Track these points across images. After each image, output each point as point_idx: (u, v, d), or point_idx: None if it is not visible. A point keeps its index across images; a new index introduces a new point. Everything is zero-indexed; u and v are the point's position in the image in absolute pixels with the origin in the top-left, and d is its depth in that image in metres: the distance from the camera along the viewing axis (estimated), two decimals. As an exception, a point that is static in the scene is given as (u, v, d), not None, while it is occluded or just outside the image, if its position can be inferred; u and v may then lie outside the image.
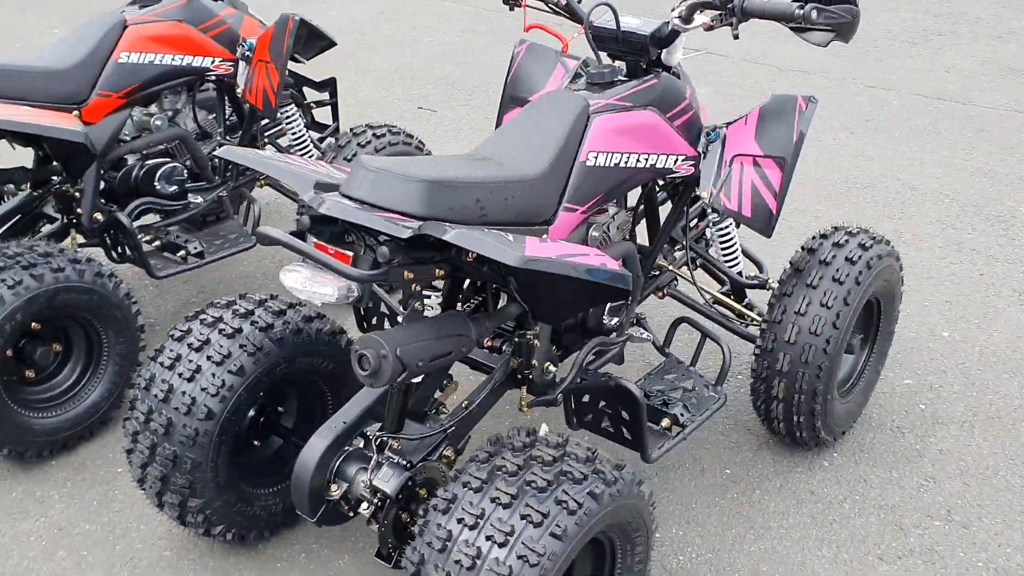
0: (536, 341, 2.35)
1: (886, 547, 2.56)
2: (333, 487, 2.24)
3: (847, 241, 2.70)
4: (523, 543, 1.81)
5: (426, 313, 2.16)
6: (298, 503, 2.26)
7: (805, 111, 2.50)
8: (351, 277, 1.87)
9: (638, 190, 2.69)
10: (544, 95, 2.44)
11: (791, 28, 2.31)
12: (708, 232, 3.04)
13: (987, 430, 2.98)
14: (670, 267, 2.92)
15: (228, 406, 2.29)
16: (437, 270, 2.05)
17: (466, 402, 2.37)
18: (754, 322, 2.90)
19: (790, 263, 2.72)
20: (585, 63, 2.56)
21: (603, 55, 2.58)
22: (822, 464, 2.85)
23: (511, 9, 2.77)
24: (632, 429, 2.36)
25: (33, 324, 2.72)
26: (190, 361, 2.31)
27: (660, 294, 2.96)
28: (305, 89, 3.82)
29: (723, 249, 2.97)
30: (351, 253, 1.94)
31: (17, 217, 3.20)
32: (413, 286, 2.04)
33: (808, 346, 2.60)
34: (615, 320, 2.57)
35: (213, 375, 2.28)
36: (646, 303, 3.23)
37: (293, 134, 3.71)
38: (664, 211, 2.83)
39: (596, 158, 2.34)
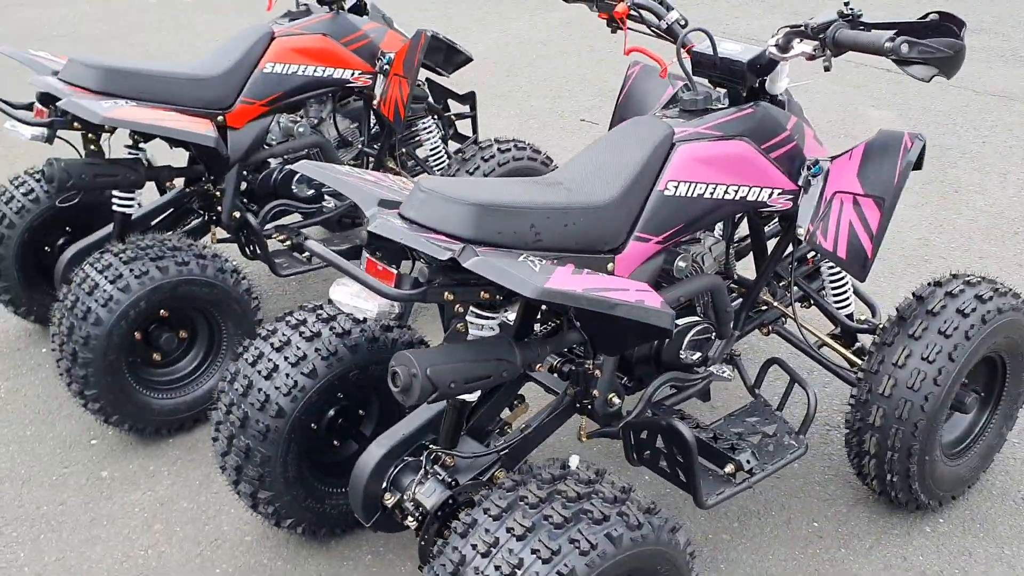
0: (597, 371, 2.32)
1: (977, 630, 2.35)
2: (387, 495, 2.29)
3: (963, 291, 2.48)
4: (529, 576, 1.80)
5: (483, 334, 2.17)
6: (354, 507, 2.34)
7: (911, 150, 2.32)
8: (384, 294, 1.92)
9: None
10: (631, 120, 2.40)
11: (893, 61, 2.16)
12: (822, 269, 2.88)
13: None
14: (776, 304, 2.79)
15: (299, 406, 2.40)
16: (483, 292, 2.05)
17: (524, 425, 2.37)
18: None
19: (896, 310, 2.53)
20: (685, 87, 2.49)
21: (704, 81, 2.51)
22: (923, 529, 2.64)
23: (613, 32, 2.74)
24: (684, 471, 2.27)
25: (161, 311, 2.95)
26: (270, 360, 2.43)
27: (765, 331, 2.83)
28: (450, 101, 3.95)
29: (832, 288, 2.81)
30: (395, 271, 1.98)
31: (169, 211, 3.49)
32: (456, 307, 2.06)
33: (904, 401, 2.41)
34: (697, 355, 2.48)
35: (287, 375, 2.40)
36: (751, 338, 3.11)
37: (430, 146, 3.82)
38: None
39: (676, 188, 2.27)
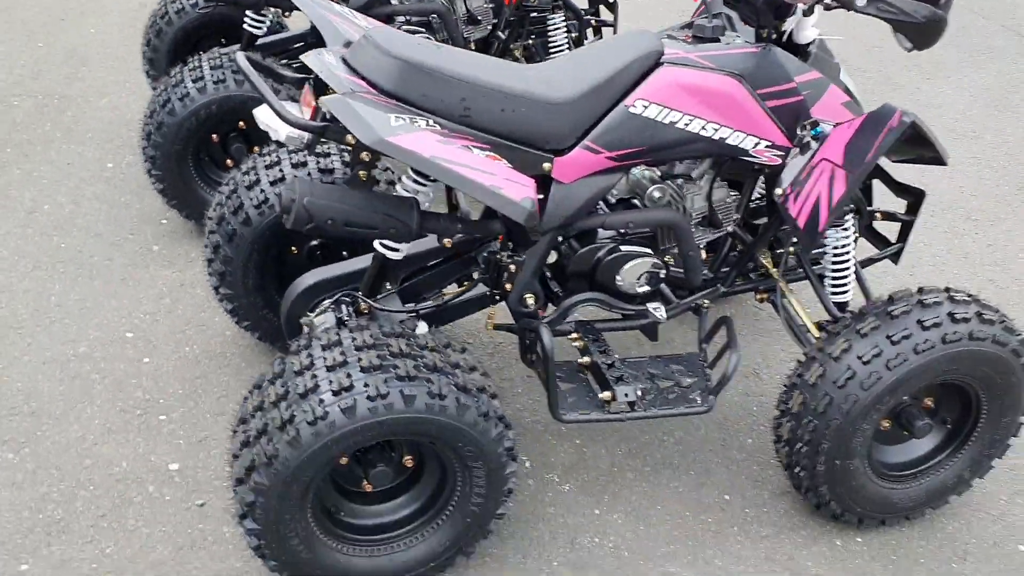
0: (511, 265, 2.34)
1: (817, 647, 2.20)
2: (303, 319, 2.47)
3: (938, 304, 2.25)
4: (314, 402, 1.91)
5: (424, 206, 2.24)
6: (282, 321, 2.54)
7: (895, 129, 2.11)
8: (287, 120, 2.04)
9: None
10: (633, 31, 2.34)
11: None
12: (827, 248, 2.67)
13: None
14: (773, 271, 2.64)
15: (265, 220, 2.60)
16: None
17: (447, 296, 2.45)
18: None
19: (863, 305, 2.34)
20: (705, 14, 2.38)
21: (734, 16, 2.40)
22: (832, 541, 2.46)
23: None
24: (545, 378, 2.27)
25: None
26: (256, 174, 2.64)
27: (760, 297, 2.70)
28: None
29: (832, 269, 2.60)
30: (315, 104, 2.10)
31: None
32: (362, 154, 2.15)
33: (824, 395, 2.25)
34: (635, 286, 2.42)
35: (262, 190, 2.60)
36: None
37: (553, 44, 3.79)
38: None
39: (646, 108, 2.20)
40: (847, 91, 2.37)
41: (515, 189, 1.95)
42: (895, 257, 2.71)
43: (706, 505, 2.53)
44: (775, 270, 2.63)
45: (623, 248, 2.40)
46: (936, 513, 2.55)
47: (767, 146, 2.29)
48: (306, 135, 2.16)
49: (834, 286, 2.58)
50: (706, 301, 2.60)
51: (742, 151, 2.28)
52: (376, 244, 2.29)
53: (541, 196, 2.14)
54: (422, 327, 2.16)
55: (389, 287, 2.50)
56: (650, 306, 2.45)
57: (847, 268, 2.58)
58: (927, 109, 4.73)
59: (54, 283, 3.16)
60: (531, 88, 2.14)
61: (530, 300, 2.36)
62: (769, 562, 2.39)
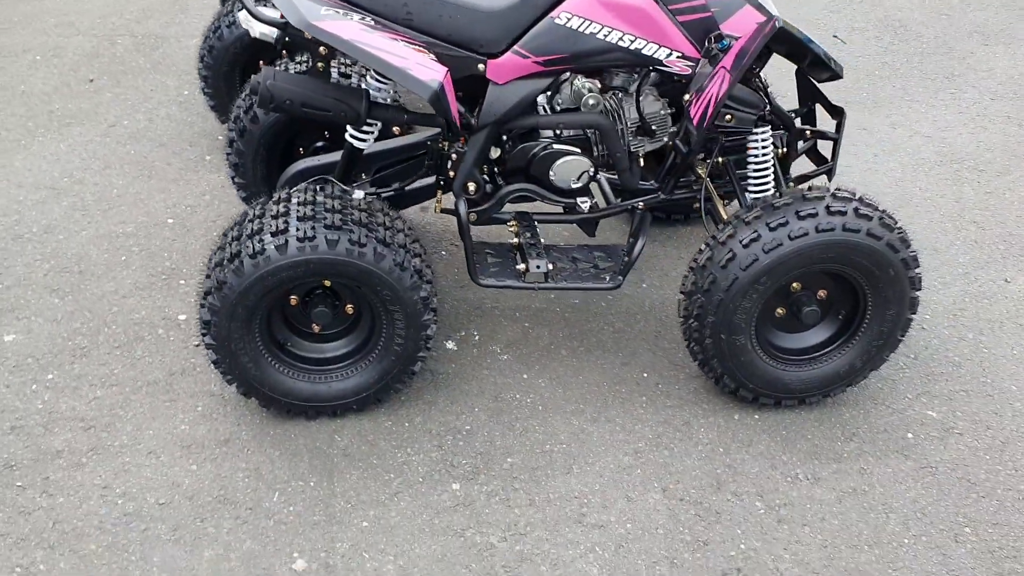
0: (453, 155, 2.74)
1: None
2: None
3: (820, 198, 2.52)
4: (256, 240, 2.38)
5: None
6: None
7: (765, 33, 2.41)
8: (257, 17, 2.50)
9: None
10: None
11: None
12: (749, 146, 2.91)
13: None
14: (700, 172, 2.92)
15: (271, 119, 3.07)
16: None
17: (404, 186, 2.87)
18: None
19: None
20: None
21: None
22: (730, 416, 2.76)
23: None
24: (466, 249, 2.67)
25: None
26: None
27: (696, 206, 3.00)
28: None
29: (752, 171, 2.85)
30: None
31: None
32: (320, 49, 2.58)
33: (710, 275, 2.56)
34: (565, 181, 2.77)
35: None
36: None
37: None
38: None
39: (569, 20, 2.55)
40: (763, 10, 2.64)
41: (423, 71, 2.35)
42: (829, 174, 2.97)
43: (623, 379, 2.87)
44: (701, 171, 2.92)
45: (555, 146, 2.76)
46: (837, 402, 2.81)
47: (678, 56, 2.60)
48: (275, 31, 2.62)
49: (754, 188, 2.86)
50: (640, 203, 2.93)
51: (656, 61, 2.61)
52: (347, 136, 2.73)
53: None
54: (358, 194, 2.58)
55: (365, 178, 2.95)
56: (578, 200, 2.81)
57: (764, 172, 2.85)
58: (976, 73, 4.83)
59: (119, 179, 3.75)
60: (470, -1, 2.53)
61: (471, 187, 2.75)
62: (665, 425, 2.71)
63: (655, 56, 2.59)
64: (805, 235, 2.48)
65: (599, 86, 2.76)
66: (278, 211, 2.43)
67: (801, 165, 3.11)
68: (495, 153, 2.80)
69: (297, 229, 2.37)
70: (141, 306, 3.06)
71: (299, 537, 2.32)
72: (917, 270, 2.60)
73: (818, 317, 2.65)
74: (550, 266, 2.72)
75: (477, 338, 3.01)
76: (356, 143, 2.74)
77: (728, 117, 2.70)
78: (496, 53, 2.57)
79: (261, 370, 2.52)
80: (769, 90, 2.96)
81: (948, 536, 2.42)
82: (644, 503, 2.47)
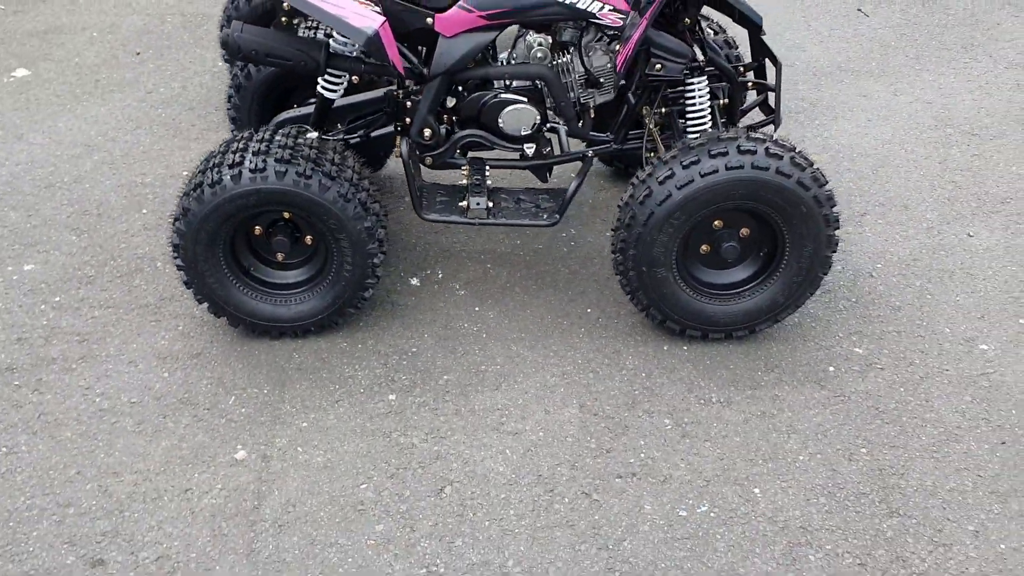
0: (407, 102, 3.01)
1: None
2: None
3: (733, 140, 2.70)
4: (215, 172, 2.69)
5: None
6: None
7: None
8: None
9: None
10: None
11: None
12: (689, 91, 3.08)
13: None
14: (645, 118, 3.11)
15: (263, 75, 3.39)
16: None
17: (369, 131, 3.16)
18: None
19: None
20: None
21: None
22: (660, 347, 2.96)
23: None
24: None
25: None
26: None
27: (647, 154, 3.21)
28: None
29: (687, 110, 3.02)
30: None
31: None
32: (284, 4, 2.88)
33: (630, 210, 2.76)
34: (512, 128, 3.01)
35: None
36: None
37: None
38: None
39: None
40: None
41: (359, 20, 2.62)
42: (774, 125, 3.14)
43: (567, 313, 3.10)
44: (648, 121, 3.11)
45: (502, 95, 3.01)
46: (766, 337, 2.98)
47: (611, 10, 2.81)
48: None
49: (690, 122, 3.03)
50: (590, 152, 3.15)
51: (590, 14, 2.82)
52: (318, 88, 3.02)
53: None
54: (311, 134, 2.87)
55: (340, 128, 3.24)
56: (525, 146, 3.04)
57: (700, 121, 3.02)
58: (996, 43, 4.87)
59: (146, 138, 4.14)
60: (415, -43, 2.80)
61: (427, 133, 3.01)
62: (596, 352, 2.93)
63: (588, 9, 2.80)
64: (715, 172, 2.66)
65: (550, 41, 2.98)
66: (237, 147, 2.74)
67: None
68: (451, 102, 3.06)
69: (250, 162, 2.67)
70: (146, 243, 3.43)
71: (244, 433, 2.63)
72: (833, 208, 2.75)
73: (737, 253, 2.83)
74: (491, 204, 2.97)
75: (440, 276, 3.28)
76: (326, 94, 3.03)
77: (658, 67, 2.89)
78: (443, 8, 2.83)
79: (227, 291, 2.84)
80: (712, 42, 3.14)
81: (843, 455, 2.58)
82: (560, 416, 2.69)
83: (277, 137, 2.78)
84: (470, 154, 3.14)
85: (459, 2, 2.82)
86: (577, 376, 2.84)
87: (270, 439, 2.61)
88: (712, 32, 3.50)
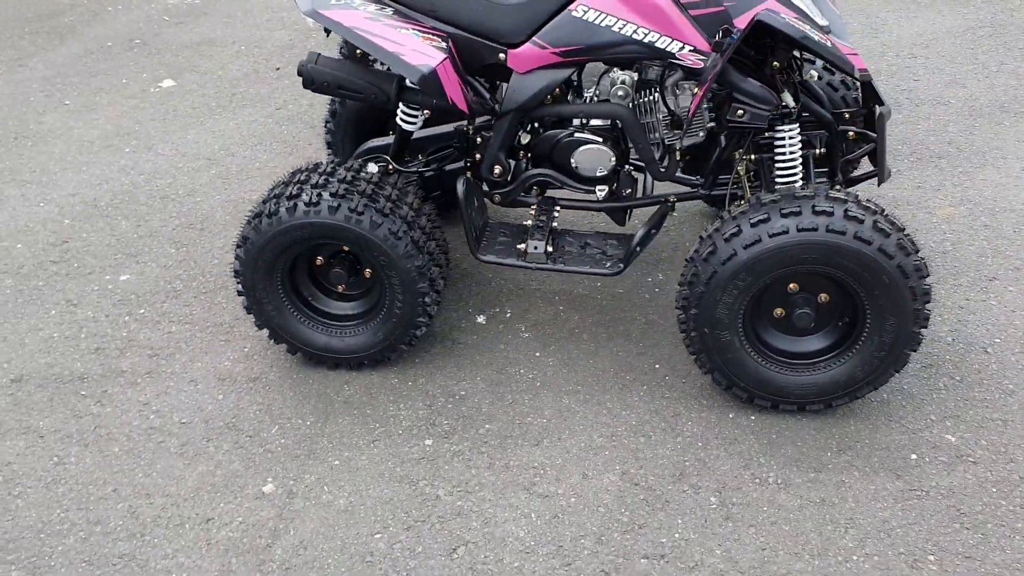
0: (477, 138, 2.93)
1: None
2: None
3: (808, 198, 2.46)
4: (273, 204, 2.70)
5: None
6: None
7: (743, 29, 2.40)
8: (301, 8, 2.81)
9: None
10: None
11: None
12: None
13: (923, 511, 2.41)
14: (739, 168, 2.90)
15: (356, 104, 3.40)
16: None
17: (442, 165, 3.10)
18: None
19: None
20: None
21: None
22: (724, 414, 2.74)
23: None
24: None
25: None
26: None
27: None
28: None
29: (776, 160, 2.78)
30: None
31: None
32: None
33: (694, 267, 2.57)
34: (587, 170, 2.87)
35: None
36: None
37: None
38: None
39: (586, 12, 2.67)
40: (793, 7, 2.60)
41: (416, 57, 2.56)
42: (878, 179, 2.86)
43: (632, 367, 2.92)
44: (740, 168, 2.89)
45: (576, 134, 2.88)
46: (845, 413, 2.71)
47: (691, 50, 2.63)
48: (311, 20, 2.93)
49: (780, 173, 2.79)
50: (673, 197, 2.97)
51: (669, 54, 2.65)
52: (397, 119, 2.99)
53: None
54: (371, 167, 2.83)
55: (420, 159, 3.20)
56: (597, 188, 2.90)
57: (790, 172, 2.78)
58: None
59: (264, 154, 4.26)
60: (492, -10, 2.72)
61: (497, 170, 2.92)
62: (653, 414, 2.75)
63: (668, 49, 2.63)
64: (784, 233, 2.43)
65: (634, 79, 2.83)
66: (299, 179, 2.74)
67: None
68: (525, 139, 2.96)
69: (307, 195, 2.66)
70: (201, 200, 3.52)
71: (278, 465, 2.62)
72: (922, 280, 2.46)
73: (811, 321, 2.57)
74: (550, 248, 2.84)
75: (508, 315, 3.17)
76: (404, 126, 3.00)
77: (740, 112, 2.68)
78: (516, 43, 2.73)
79: (283, 319, 2.85)
80: (819, 84, 2.89)
81: (905, 560, 2.29)
82: (598, 482, 2.54)
83: (339, 171, 2.77)
84: (547, 192, 3.03)
85: (533, 38, 2.72)
86: (627, 439, 2.67)
87: (300, 474, 2.59)
88: (819, 73, 3.22)
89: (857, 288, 2.49)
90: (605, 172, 2.89)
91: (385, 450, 2.65)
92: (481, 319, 3.16)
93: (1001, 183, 3.79)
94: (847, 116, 2.99)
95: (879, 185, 2.91)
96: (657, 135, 2.86)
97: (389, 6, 2.73)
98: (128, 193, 3.98)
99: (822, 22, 2.64)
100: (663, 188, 2.99)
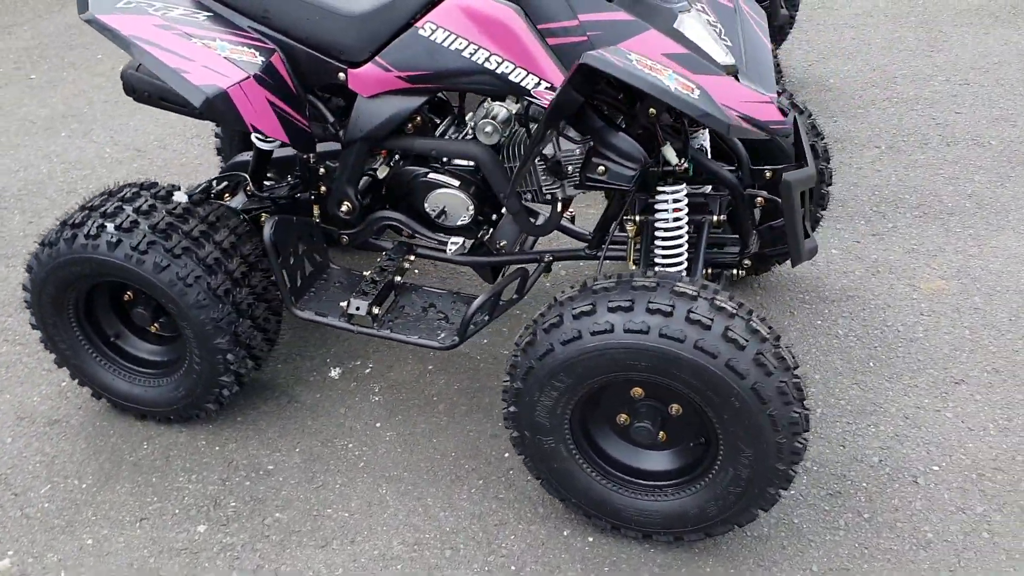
0: (320, 169, 2.49)
1: None
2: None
3: (646, 288, 1.93)
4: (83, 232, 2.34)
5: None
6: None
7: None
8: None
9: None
10: None
11: None
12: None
13: None
14: (630, 230, 2.39)
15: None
16: None
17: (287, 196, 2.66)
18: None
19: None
20: None
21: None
22: (558, 531, 2.24)
23: None
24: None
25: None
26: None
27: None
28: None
29: (656, 226, 2.25)
30: None
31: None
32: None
33: (515, 358, 2.08)
34: (436, 213, 2.41)
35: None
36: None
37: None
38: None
39: (435, 32, 2.20)
40: (685, 41, 2.06)
41: (203, 76, 2.13)
42: (791, 258, 2.29)
43: (477, 453, 2.45)
44: (630, 228, 2.38)
45: (432, 175, 2.41)
46: (709, 549, 2.18)
47: (547, 87, 2.12)
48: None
49: (660, 261, 2.27)
50: (549, 256, 2.49)
51: (524, 90, 2.15)
52: (252, 138, 2.59)
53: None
54: (178, 196, 2.42)
55: (282, 181, 2.78)
56: (451, 239, 2.42)
57: (671, 242, 2.25)
58: None
59: (196, 148, 3.93)
60: (333, 1, 2.27)
61: (344, 207, 2.48)
62: (475, 520, 2.27)
63: (523, 84, 2.13)
64: (609, 331, 1.91)
65: (511, 112, 2.33)
66: (94, 204, 2.37)
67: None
68: (383, 172, 2.50)
69: (89, 225, 2.29)
70: None
71: (27, 536, 2.27)
72: (788, 408, 1.90)
73: (651, 436, 2.04)
74: (376, 309, 2.38)
75: (367, 371, 2.74)
76: (259, 144, 2.59)
77: (601, 169, 2.17)
78: (357, 62, 2.28)
79: (80, 359, 2.50)
80: (699, 142, 2.34)
81: None
82: (370, 606, 2.09)
83: (142, 197, 2.38)
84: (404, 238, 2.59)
85: (375, 57, 2.26)
86: (431, 549, 2.21)
87: (44, 551, 2.24)
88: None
89: (705, 408, 1.95)
90: (466, 222, 2.42)
91: (148, 533, 2.27)
92: (335, 373, 2.74)
93: (1017, 254, 3.11)
94: (768, 176, 2.43)
95: (793, 267, 2.35)
96: (533, 183, 2.35)
97: (209, 11, 2.31)
98: (39, 184, 3.71)
99: (724, 61, 2.08)
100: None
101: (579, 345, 1.94)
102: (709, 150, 2.49)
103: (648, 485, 2.12)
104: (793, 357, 1.95)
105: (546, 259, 2.49)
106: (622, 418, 2.10)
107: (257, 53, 2.25)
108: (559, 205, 2.40)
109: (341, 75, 2.30)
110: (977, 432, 2.46)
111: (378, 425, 2.56)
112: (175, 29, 2.20)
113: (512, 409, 2.10)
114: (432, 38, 2.17)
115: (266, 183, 2.71)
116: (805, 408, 1.95)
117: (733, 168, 2.42)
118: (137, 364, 2.53)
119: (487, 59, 2.13)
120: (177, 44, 2.17)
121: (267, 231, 2.37)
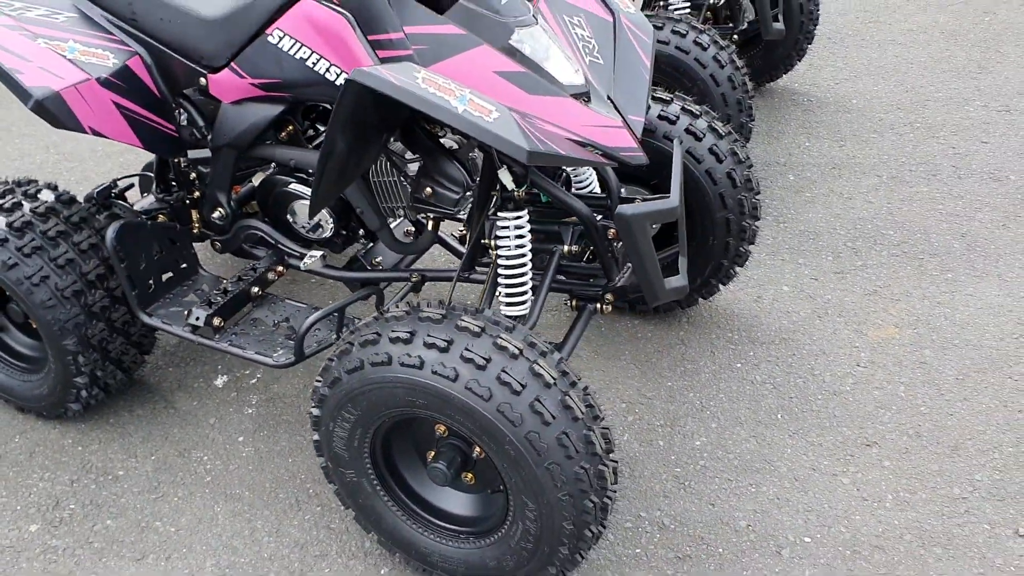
0: (192, 172, 2.45)
1: None
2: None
3: (432, 319, 1.79)
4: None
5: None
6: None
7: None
8: None
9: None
10: None
11: None
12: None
13: None
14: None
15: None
16: None
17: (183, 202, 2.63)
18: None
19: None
20: None
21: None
22: (363, 545, 2.12)
23: None
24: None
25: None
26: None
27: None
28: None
29: (499, 247, 2.08)
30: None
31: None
32: None
33: (317, 384, 1.97)
34: (292, 221, 2.34)
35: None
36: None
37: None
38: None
39: (281, 39, 2.12)
40: (522, 59, 1.91)
41: (37, 77, 2.11)
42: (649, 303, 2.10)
43: (320, 479, 2.35)
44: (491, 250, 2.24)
45: (294, 185, 2.34)
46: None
47: (389, 102, 2.01)
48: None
49: (504, 285, 2.11)
50: (417, 275, 2.38)
51: (362, 104, 2.05)
52: None
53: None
54: (45, 194, 2.41)
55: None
56: (308, 253, 2.33)
57: (511, 272, 2.09)
58: None
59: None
60: (190, 2, 2.24)
61: (216, 213, 2.44)
62: (296, 549, 2.17)
63: (359, 98, 2.02)
64: (386, 364, 1.78)
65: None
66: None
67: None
68: (257, 179, 2.45)
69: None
70: None
71: None
72: (573, 463, 1.72)
73: (445, 478, 1.89)
74: (217, 320, 2.31)
75: (253, 382, 2.68)
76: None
77: (428, 191, 2.04)
78: (216, 68, 2.23)
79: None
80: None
81: None
82: (158, 628, 2.02)
83: (14, 193, 2.39)
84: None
85: (231, 63, 2.20)
86: (240, 570, 2.12)
87: None
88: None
89: (491, 457, 1.79)
90: (327, 235, 2.34)
91: (-18, 529, 2.28)
92: (220, 381, 2.69)
93: (989, 306, 2.77)
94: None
95: (649, 306, 2.15)
96: (399, 199, 2.24)
97: (80, 12, 2.31)
98: (28, 175, 3.83)
99: (571, 82, 1.92)
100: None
101: (359, 376, 1.81)
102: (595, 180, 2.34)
103: (450, 529, 1.98)
104: (591, 407, 1.76)
105: (414, 278, 2.37)
106: (431, 455, 1.96)
107: (111, 56, 2.23)
108: (429, 224, 2.29)
109: (202, 80, 2.25)
110: (871, 503, 2.18)
111: (240, 439, 2.49)
112: (24, 30, 2.19)
113: (315, 437, 1.99)
114: (279, 45, 2.10)
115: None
116: (605, 463, 1.76)
117: (603, 196, 2.24)
118: (13, 357, 2.55)
119: (327, 69, 2.05)
120: (19, 45, 2.16)
121: (109, 235, 2.33)
